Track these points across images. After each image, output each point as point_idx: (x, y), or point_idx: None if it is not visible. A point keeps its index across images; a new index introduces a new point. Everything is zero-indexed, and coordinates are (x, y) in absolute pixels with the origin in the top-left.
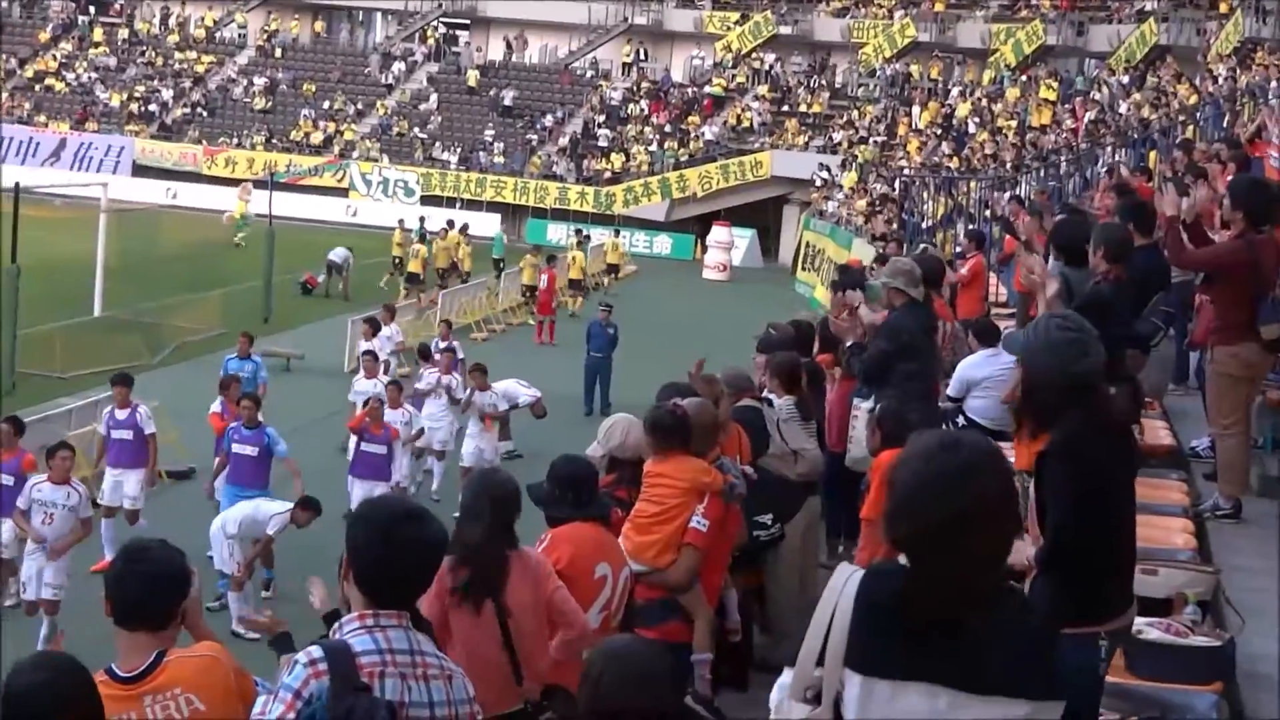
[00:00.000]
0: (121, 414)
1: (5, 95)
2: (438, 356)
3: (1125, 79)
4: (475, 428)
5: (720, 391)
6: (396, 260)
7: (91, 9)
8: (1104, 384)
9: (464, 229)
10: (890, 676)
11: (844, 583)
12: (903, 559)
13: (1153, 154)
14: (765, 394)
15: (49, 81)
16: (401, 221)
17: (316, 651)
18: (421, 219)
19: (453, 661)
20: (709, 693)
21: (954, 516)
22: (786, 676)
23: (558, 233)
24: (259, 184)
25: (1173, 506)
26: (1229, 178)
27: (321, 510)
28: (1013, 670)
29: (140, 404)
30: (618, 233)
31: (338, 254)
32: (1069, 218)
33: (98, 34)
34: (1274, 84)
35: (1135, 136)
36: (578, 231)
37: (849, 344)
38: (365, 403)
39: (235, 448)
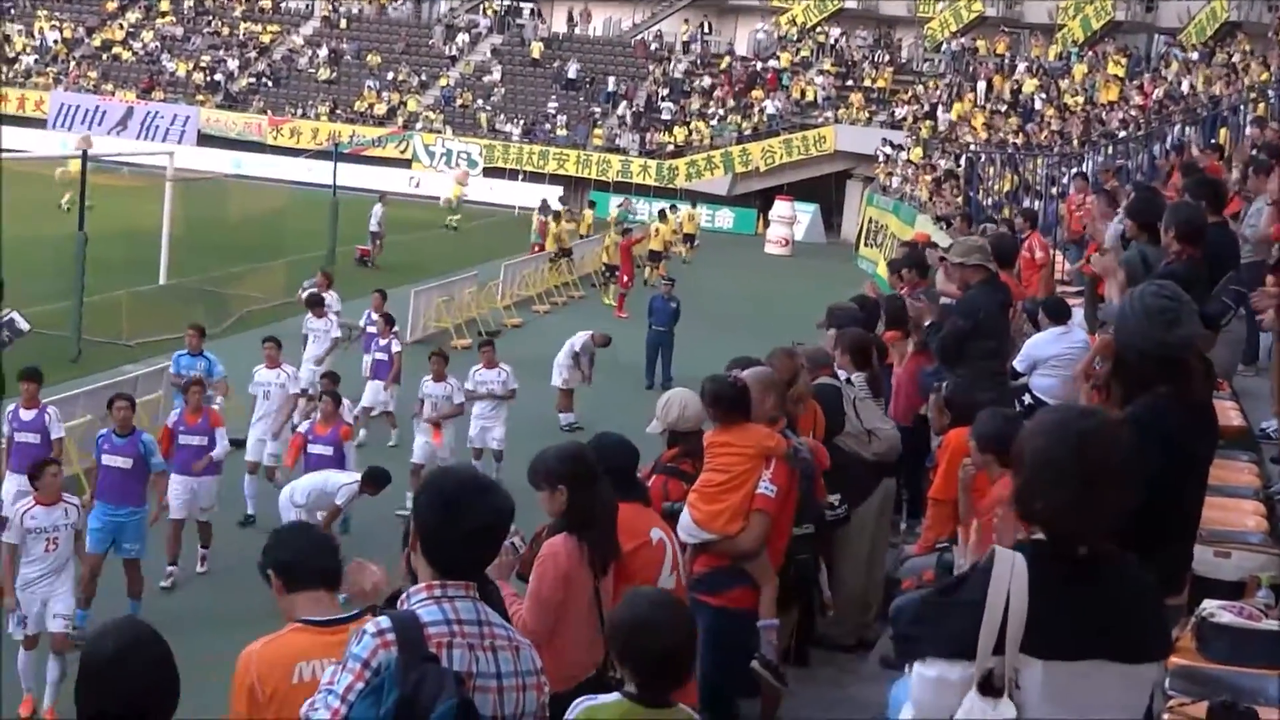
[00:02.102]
0: (28, 414)
1: (73, 64)
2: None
3: (1195, 55)
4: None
5: (800, 365)
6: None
7: None
8: (1194, 358)
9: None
10: (1071, 657)
11: (1010, 569)
12: (1037, 534)
13: (1223, 131)
14: (839, 371)
15: (116, 50)
16: (545, 202)
17: (385, 622)
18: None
19: (518, 633)
20: (775, 658)
21: (1092, 482)
22: (931, 671)
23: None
24: (342, 157)
25: (1244, 488)
26: None
27: (390, 481)
28: (1157, 637)
29: (49, 405)
30: (694, 204)
31: (375, 220)
32: (1147, 195)
33: (165, 3)
34: None
35: (1204, 114)
36: (671, 206)
37: (928, 322)
38: (310, 396)
39: (105, 459)
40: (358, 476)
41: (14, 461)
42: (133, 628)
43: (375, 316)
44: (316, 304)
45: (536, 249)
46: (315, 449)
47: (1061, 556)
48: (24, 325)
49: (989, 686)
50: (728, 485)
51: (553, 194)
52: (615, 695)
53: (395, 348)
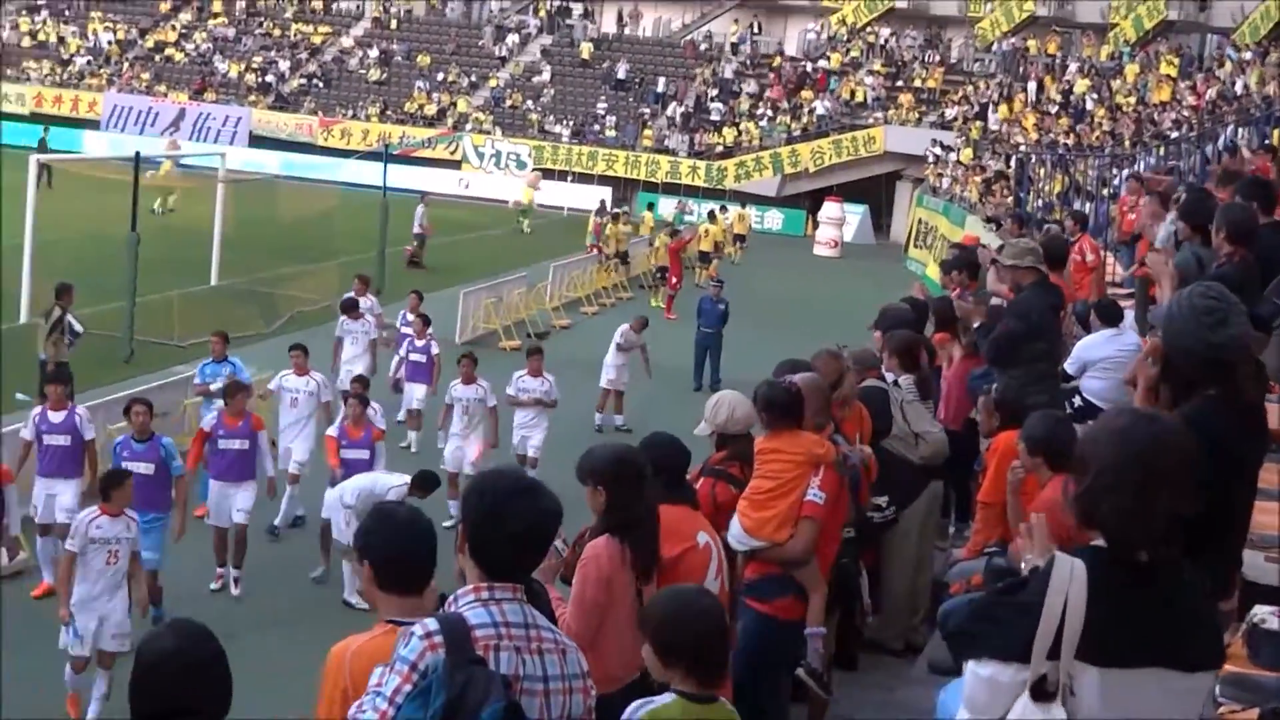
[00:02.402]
0: (56, 416)
1: (126, 66)
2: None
3: (1249, 55)
4: (458, 425)
5: (845, 368)
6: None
7: None
8: (1245, 360)
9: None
10: (1127, 665)
11: (1069, 575)
12: (1096, 540)
13: (1277, 132)
14: (885, 372)
15: (168, 52)
16: (603, 203)
17: (432, 624)
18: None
19: (565, 636)
20: (821, 666)
21: (1158, 488)
22: (987, 671)
23: (667, 206)
24: (392, 159)
25: None
26: None
27: (439, 484)
28: (1211, 646)
29: (78, 406)
30: (744, 205)
31: (418, 221)
32: (1199, 196)
33: (216, 5)
34: None
35: (1258, 114)
36: (721, 207)
37: (976, 324)
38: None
39: (126, 466)
40: (407, 479)
41: (44, 465)
42: (189, 627)
43: (411, 317)
44: (351, 307)
45: (593, 249)
46: (349, 453)
47: (1121, 562)
48: (79, 328)
49: (1041, 691)
50: (777, 492)
51: (603, 195)
52: (669, 695)
53: (434, 349)
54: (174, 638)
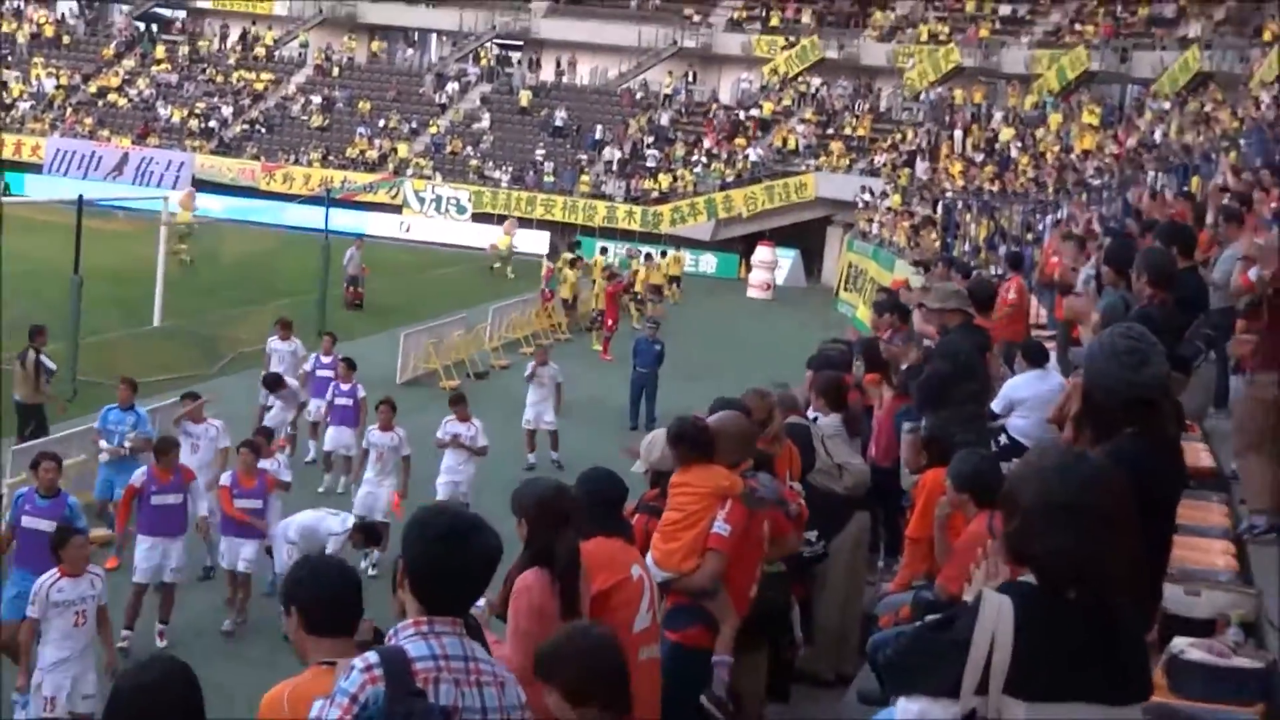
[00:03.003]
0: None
1: (69, 110)
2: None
3: (1168, 105)
4: (372, 471)
5: (773, 405)
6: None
7: (154, 26)
8: (1165, 399)
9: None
10: (1055, 699)
11: (997, 611)
12: (1027, 577)
13: (1195, 179)
14: (810, 412)
15: (112, 97)
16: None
17: (373, 657)
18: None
19: (504, 669)
20: (725, 695)
21: (1089, 522)
22: (916, 704)
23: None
24: (334, 203)
25: (1214, 528)
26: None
27: (379, 541)
28: (1141, 678)
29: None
30: (678, 248)
31: (351, 263)
32: (1122, 241)
33: (160, 51)
34: None
35: (1177, 162)
36: (662, 251)
37: (905, 366)
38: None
39: (26, 521)
40: (349, 522)
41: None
42: (170, 662)
43: (325, 359)
44: (276, 384)
45: (547, 296)
46: (242, 503)
47: (1050, 599)
48: (51, 365)
49: None
50: (683, 524)
51: (551, 239)
52: None
53: (360, 392)
54: (151, 672)
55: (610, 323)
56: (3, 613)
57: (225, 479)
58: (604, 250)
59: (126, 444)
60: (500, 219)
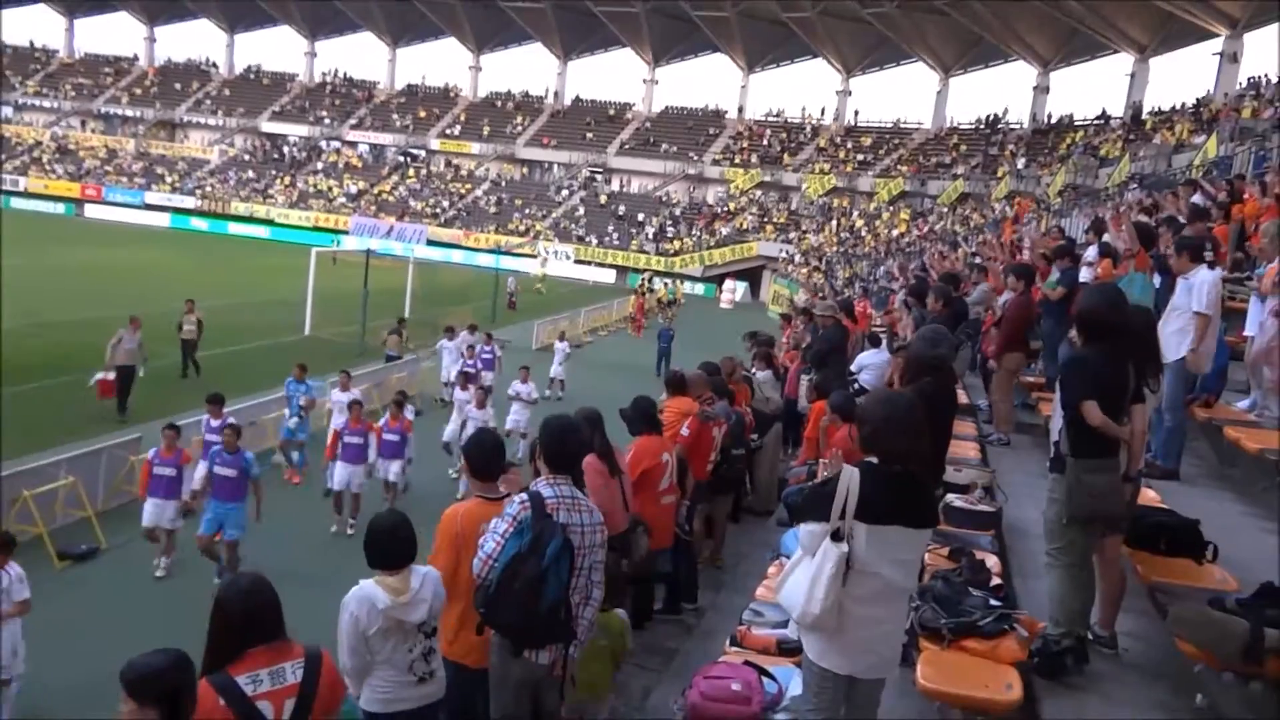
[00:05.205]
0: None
1: (363, 202)
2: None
3: (945, 209)
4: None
5: (734, 364)
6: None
7: (407, 157)
8: (948, 365)
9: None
10: (881, 522)
11: (850, 475)
12: (871, 459)
13: (960, 249)
14: (753, 369)
15: (385, 196)
16: (642, 283)
17: (524, 496)
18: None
19: (592, 501)
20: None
21: (904, 429)
22: (810, 527)
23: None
24: (501, 253)
25: (968, 435)
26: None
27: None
28: (931, 514)
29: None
30: (682, 281)
31: (510, 286)
32: (920, 279)
33: (411, 173)
34: (1028, 215)
35: (949, 239)
36: (674, 281)
37: (805, 345)
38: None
39: (217, 469)
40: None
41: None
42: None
43: (485, 347)
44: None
45: (639, 322)
46: (350, 439)
47: (884, 470)
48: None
49: (836, 536)
50: (667, 428)
51: (642, 276)
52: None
53: (407, 427)
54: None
55: (639, 320)
56: (202, 528)
57: (339, 422)
58: (666, 285)
59: (301, 402)
60: (587, 263)
